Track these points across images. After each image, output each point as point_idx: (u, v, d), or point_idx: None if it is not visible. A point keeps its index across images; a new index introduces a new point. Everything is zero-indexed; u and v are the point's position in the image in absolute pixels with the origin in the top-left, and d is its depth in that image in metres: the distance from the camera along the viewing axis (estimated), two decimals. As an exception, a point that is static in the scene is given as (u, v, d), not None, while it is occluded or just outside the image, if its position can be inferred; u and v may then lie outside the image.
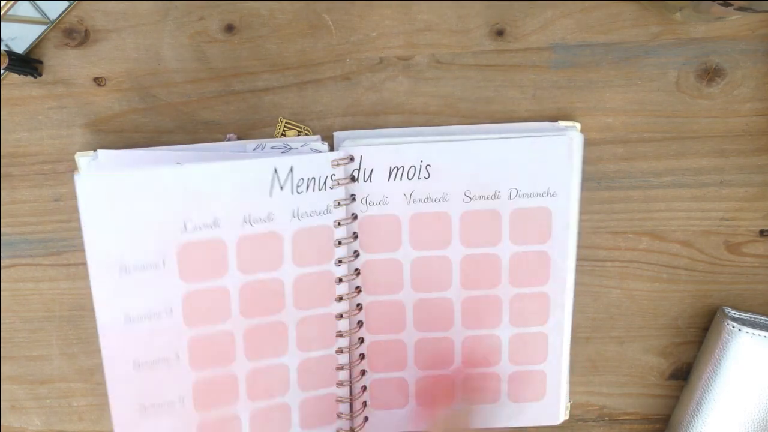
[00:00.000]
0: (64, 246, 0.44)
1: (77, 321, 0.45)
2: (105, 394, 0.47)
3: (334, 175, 0.39)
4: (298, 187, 0.39)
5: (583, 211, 0.42)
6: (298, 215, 0.39)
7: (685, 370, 0.45)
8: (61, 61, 0.41)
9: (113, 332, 0.39)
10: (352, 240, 0.41)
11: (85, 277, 0.43)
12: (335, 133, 0.41)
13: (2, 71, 0.40)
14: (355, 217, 0.41)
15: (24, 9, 0.39)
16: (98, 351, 0.46)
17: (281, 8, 0.40)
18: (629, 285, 0.44)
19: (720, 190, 0.42)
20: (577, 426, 0.47)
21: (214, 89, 0.41)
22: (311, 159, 0.39)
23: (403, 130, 0.41)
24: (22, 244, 0.44)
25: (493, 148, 0.40)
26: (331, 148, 0.41)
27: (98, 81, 0.41)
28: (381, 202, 0.41)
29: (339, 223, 0.40)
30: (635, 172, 0.42)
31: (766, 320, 0.42)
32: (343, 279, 0.41)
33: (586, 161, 0.42)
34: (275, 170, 0.38)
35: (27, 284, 0.45)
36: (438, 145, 0.40)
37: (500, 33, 0.40)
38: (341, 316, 0.42)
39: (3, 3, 0.37)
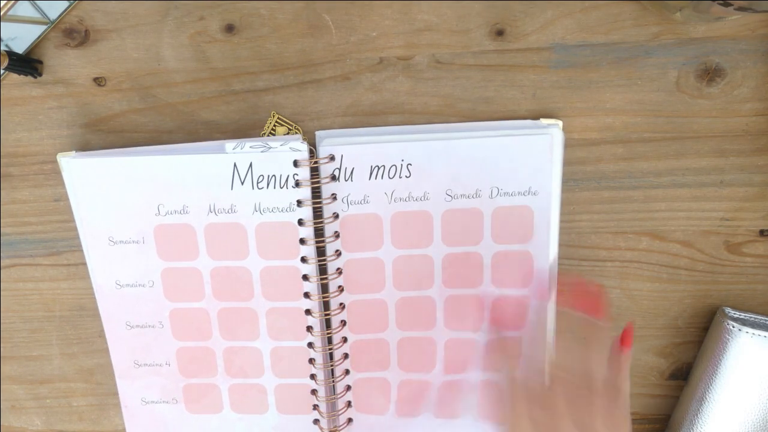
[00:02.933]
0: (64, 246, 0.44)
1: (77, 321, 0.45)
2: (105, 394, 0.47)
3: (296, 174, 0.40)
4: (258, 183, 0.40)
5: (583, 211, 0.42)
6: (260, 210, 0.41)
7: (685, 370, 0.45)
8: (61, 61, 0.41)
9: (107, 295, 0.43)
10: (334, 239, 0.41)
11: (86, 276, 0.44)
12: (317, 132, 0.41)
13: (2, 71, 0.40)
14: (336, 216, 0.41)
15: (24, 9, 0.39)
16: (98, 351, 0.46)
17: (281, 8, 0.40)
18: (629, 285, 0.44)
19: (720, 190, 0.42)
20: (577, 426, 0.47)
21: (214, 89, 0.41)
22: (270, 157, 0.39)
23: (386, 129, 0.41)
24: (22, 244, 0.44)
25: (474, 147, 0.40)
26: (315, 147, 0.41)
27: (98, 81, 0.41)
28: (362, 201, 0.41)
29: (302, 222, 0.41)
30: (635, 172, 0.42)
31: (766, 320, 0.42)
32: (310, 277, 0.42)
33: (586, 161, 0.42)
34: (235, 165, 0.40)
35: (27, 284, 0.45)
36: (419, 144, 0.40)
37: (500, 33, 0.40)
38: (309, 311, 0.43)
39: (3, 3, 0.37)
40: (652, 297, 0.44)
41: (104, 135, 0.42)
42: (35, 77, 0.41)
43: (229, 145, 0.40)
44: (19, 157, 0.42)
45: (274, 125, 0.41)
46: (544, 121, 0.40)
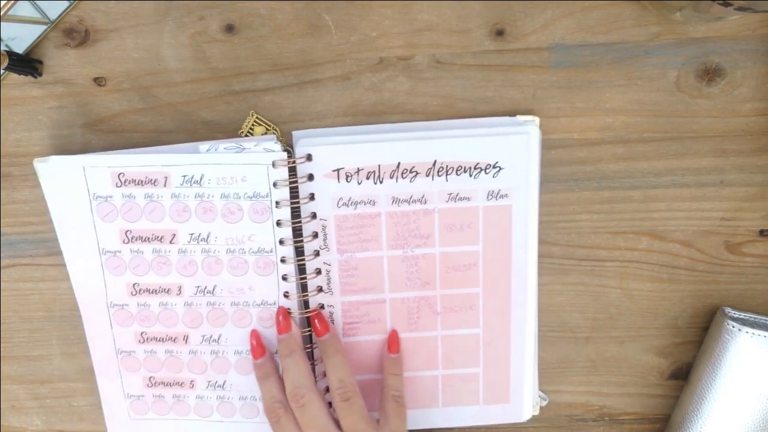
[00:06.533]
0: (64, 246, 0.44)
1: (77, 321, 0.45)
2: (105, 394, 0.47)
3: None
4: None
5: (583, 211, 0.42)
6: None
7: (685, 370, 0.45)
8: (61, 61, 0.41)
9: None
10: (312, 239, 0.41)
11: (85, 277, 0.43)
12: (294, 132, 0.41)
13: (2, 71, 0.40)
14: (314, 215, 0.41)
15: (24, 9, 0.39)
16: (98, 351, 0.46)
17: (281, 8, 0.40)
18: (629, 285, 0.44)
19: (720, 190, 0.42)
20: (577, 426, 0.47)
21: (214, 89, 0.41)
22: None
23: (362, 128, 0.41)
24: (22, 244, 0.44)
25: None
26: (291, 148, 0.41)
27: (98, 81, 0.41)
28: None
29: (280, 223, 0.41)
30: (635, 172, 0.42)
31: (766, 320, 0.42)
32: (288, 277, 0.41)
33: (586, 161, 0.42)
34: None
35: (27, 284, 0.45)
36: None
37: (500, 33, 0.40)
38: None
39: (3, 3, 0.37)
40: (652, 297, 0.44)
41: (104, 135, 0.42)
42: (35, 77, 0.41)
43: (203, 146, 0.39)
44: (19, 157, 0.42)
45: (252, 125, 0.41)
46: (520, 118, 0.40)
